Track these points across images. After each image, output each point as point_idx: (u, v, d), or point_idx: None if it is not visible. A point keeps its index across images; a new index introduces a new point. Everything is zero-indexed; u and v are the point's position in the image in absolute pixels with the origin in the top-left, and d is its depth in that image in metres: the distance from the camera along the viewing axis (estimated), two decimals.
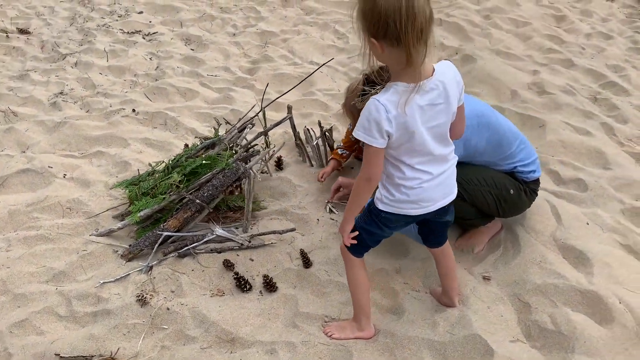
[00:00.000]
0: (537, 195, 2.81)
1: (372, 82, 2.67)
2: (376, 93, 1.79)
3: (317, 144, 3.33)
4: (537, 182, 2.77)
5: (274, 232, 2.81)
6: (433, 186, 1.98)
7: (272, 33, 5.03)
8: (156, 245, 2.68)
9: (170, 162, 2.82)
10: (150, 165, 2.97)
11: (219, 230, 2.73)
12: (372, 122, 1.73)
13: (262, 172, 3.31)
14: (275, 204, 3.14)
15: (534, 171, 2.71)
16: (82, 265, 2.70)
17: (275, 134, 3.66)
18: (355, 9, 1.64)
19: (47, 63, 4.52)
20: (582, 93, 4.30)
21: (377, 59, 1.73)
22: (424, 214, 2.04)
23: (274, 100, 3.40)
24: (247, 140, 3.02)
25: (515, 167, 2.68)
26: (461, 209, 2.64)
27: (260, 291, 2.59)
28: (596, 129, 3.80)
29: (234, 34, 5.08)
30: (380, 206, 2.01)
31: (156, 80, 4.29)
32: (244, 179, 2.67)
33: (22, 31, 4.99)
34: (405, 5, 1.53)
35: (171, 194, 2.72)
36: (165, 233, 2.67)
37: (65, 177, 3.28)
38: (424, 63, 1.71)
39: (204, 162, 2.66)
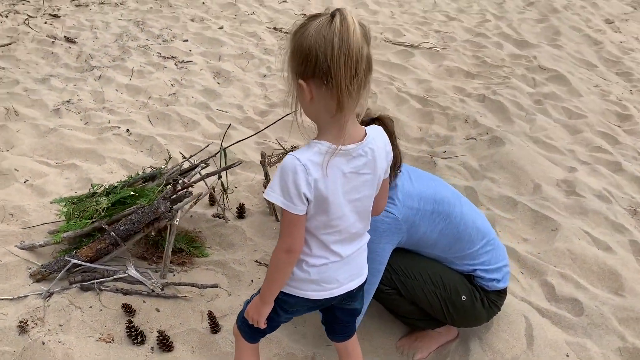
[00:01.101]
0: (498, 309, 2.34)
1: None
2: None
3: None
4: (500, 293, 2.31)
5: (192, 285, 2.52)
6: (339, 267, 1.66)
7: None
8: (62, 272, 2.47)
9: (107, 187, 2.64)
10: (92, 186, 2.80)
11: (132, 271, 2.48)
12: (290, 184, 1.43)
13: (217, 217, 3.07)
14: (219, 254, 2.86)
15: (497, 280, 2.26)
16: None
17: (247, 180, 3.42)
18: (286, 55, 1.45)
19: (74, 72, 4.61)
20: (620, 202, 3.71)
21: (305, 111, 1.47)
22: (327, 299, 1.70)
23: (234, 143, 3.17)
24: (200, 177, 2.79)
25: (474, 269, 2.25)
26: (398, 305, 2.25)
27: (152, 347, 2.29)
28: (621, 246, 3.21)
29: (265, 76, 4.97)
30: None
31: (166, 105, 4.23)
32: (165, 220, 2.42)
33: (69, 40, 5.19)
34: (338, 36, 1.32)
35: (94, 220, 2.53)
36: (73, 260, 2.46)
37: (26, 182, 3.20)
38: (355, 125, 1.48)
39: (132, 193, 2.45)
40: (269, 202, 3.14)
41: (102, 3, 6.33)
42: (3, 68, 4.51)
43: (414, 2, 7.42)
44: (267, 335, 1.92)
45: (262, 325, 1.73)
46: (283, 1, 6.96)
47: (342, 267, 1.67)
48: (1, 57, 4.71)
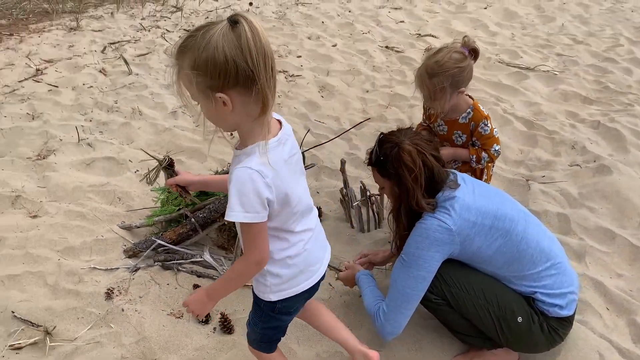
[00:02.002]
0: (561, 338, 2.20)
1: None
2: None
3: (357, 205, 3.11)
4: (563, 321, 2.17)
5: None
6: (313, 242, 1.74)
7: (402, 97, 4.92)
8: (148, 250, 2.76)
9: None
10: None
11: (207, 256, 2.70)
12: (250, 195, 1.43)
13: None
14: None
15: (559, 306, 2.13)
16: (92, 248, 2.90)
17: (330, 187, 3.53)
18: (179, 73, 1.39)
19: None
20: None
21: (221, 124, 1.49)
22: (317, 282, 1.79)
23: (313, 147, 3.29)
24: None
25: (534, 292, 2.15)
26: (449, 317, 2.22)
27: (215, 328, 2.48)
28: None
29: (368, 91, 5.09)
30: (273, 297, 1.72)
31: None
32: None
33: None
34: (252, 41, 1.31)
35: (180, 208, 2.80)
36: (159, 241, 2.75)
37: (136, 172, 3.61)
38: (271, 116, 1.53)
39: None
40: (346, 208, 3.23)
41: None
42: (137, 74, 5.11)
43: (539, 24, 7.12)
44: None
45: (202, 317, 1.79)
46: (400, 21, 7.06)
47: (315, 241, 1.75)
48: (138, 65, 5.33)
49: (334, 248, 3.00)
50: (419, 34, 6.59)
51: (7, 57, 5.32)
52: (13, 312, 2.44)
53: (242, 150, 1.51)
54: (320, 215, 3.23)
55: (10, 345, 2.30)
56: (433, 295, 2.16)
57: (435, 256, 2.07)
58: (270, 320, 1.82)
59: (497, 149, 2.74)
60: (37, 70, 5.08)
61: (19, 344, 2.31)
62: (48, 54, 5.47)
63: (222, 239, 3.00)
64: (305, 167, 3.05)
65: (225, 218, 1.48)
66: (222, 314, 2.47)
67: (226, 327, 2.45)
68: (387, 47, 6.16)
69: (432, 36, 6.52)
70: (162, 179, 2.06)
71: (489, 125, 2.71)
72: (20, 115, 4.22)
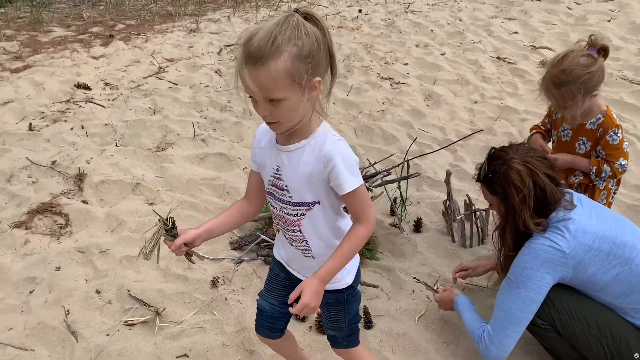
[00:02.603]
0: None
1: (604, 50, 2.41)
2: None
3: (461, 219, 3.03)
4: None
5: None
6: None
7: (513, 109, 4.73)
8: (252, 244, 2.87)
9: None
10: None
11: None
12: (352, 161, 1.50)
13: (394, 226, 3.20)
14: (388, 260, 2.99)
15: None
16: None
17: (432, 198, 3.48)
18: (270, 68, 1.33)
19: None
20: None
21: (298, 116, 1.43)
22: None
23: (419, 156, 3.24)
24: (381, 182, 2.96)
25: None
26: (555, 345, 2.12)
27: (310, 327, 2.53)
28: None
29: (476, 102, 4.95)
30: (349, 279, 1.72)
31: (373, 120, 4.52)
32: None
33: None
34: (325, 30, 1.41)
35: None
36: (262, 236, 2.85)
37: (244, 169, 3.77)
38: None
39: None
40: (448, 221, 3.16)
41: (340, 27, 7.00)
42: None
43: None
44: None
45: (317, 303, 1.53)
46: (514, 32, 6.80)
47: None
48: None
49: (432, 261, 2.97)
50: (534, 46, 6.30)
51: (134, 55, 5.77)
52: (129, 291, 2.64)
53: (311, 137, 1.51)
54: (420, 225, 3.19)
55: (124, 321, 2.48)
56: (541, 320, 2.06)
57: (545, 278, 1.98)
58: (352, 306, 1.79)
59: (623, 163, 2.49)
60: (160, 68, 5.46)
61: (132, 320, 2.49)
62: (170, 54, 5.86)
63: None
64: (409, 175, 3.05)
65: (347, 191, 1.49)
66: (318, 314, 2.52)
67: (321, 327, 2.49)
68: (498, 57, 5.96)
69: (548, 48, 6.21)
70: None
71: (619, 135, 2.48)
72: (143, 109, 4.55)
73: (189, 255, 1.67)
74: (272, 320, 1.90)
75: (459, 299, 2.35)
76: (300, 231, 1.62)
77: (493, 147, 2.20)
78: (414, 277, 2.73)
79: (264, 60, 1.32)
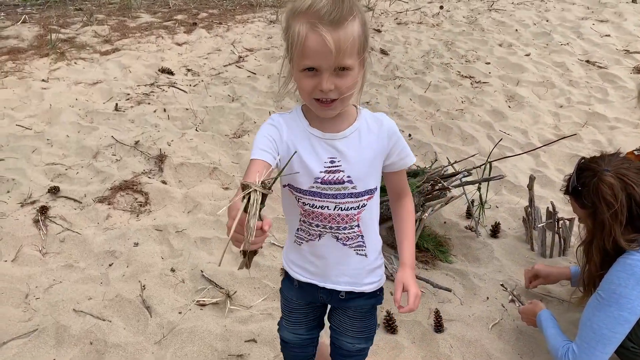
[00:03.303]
0: None
1: None
2: None
3: (542, 227, 2.88)
4: None
5: (427, 281, 2.62)
6: None
7: (601, 116, 4.46)
8: None
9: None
10: None
11: None
12: None
13: (470, 229, 3.09)
14: (462, 264, 2.89)
15: None
16: (272, 225, 3.09)
17: (511, 203, 3.32)
18: (351, 29, 1.24)
19: (379, 79, 5.15)
20: None
21: (355, 90, 1.35)
22: None
23: (501, 158, 3.11)
24: (460, 183, 2.86)
25: None
26: None
27: (379, 324, 2.48)
28: None
29: (562, 106, 4.70)
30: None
31: (451, 119, 4.39)
32: (419, 213, 2.57)
33: (383, 52, 5.81)
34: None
35: None
36: None
37: None
38: None
39: None
40: (528, 229, 3.01)
41: (420, 23, 6.86)
42: None
43: None
44: None
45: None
46: (606, 35, 6.42)
47: None
48: None
49: (509, 269, 2.84)
50: (627, 50, 5.93)
51: (215, 43, 5.90)
52: (202, 272, 2.69)
53: (360, 118, 1.44)
54: (497, 231, 3.06)
55: (196, 301, 2.53)
56: (631, 344, 1.91)
57: None
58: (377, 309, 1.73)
59: None
60: (240, 57, 5.56)
61: (204, 301, 2.54)
62: (250, 43, 5.95)
63: (391, 237, 3.00)
64: (492, 177, 2.92)
65: (411, 163, 1.51)
66: (388, 312, 2.46)
67: (390, 326, 2.43)
68: (587, 61, 5.64)
69: None
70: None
71: None
72: (222, 96, 4.64)
73: (253, 254, 1.21)
74: (302, 349, 1.81)
75: (542, 314, 2.23)
76: (358, 225, 1.47)
77: (583, 157, 2.06)
78: (502, 285, 2.63)
79: (343, 20, 1.22)
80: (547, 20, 6.97)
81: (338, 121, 1.40)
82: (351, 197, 1.42)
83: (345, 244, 1.49)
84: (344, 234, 1.47)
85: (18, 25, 5.94)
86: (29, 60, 4.99)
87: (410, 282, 1.48)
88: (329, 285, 1.56)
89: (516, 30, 6.61)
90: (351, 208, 1.44)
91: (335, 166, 1.39)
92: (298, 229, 1.49)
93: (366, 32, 1.31)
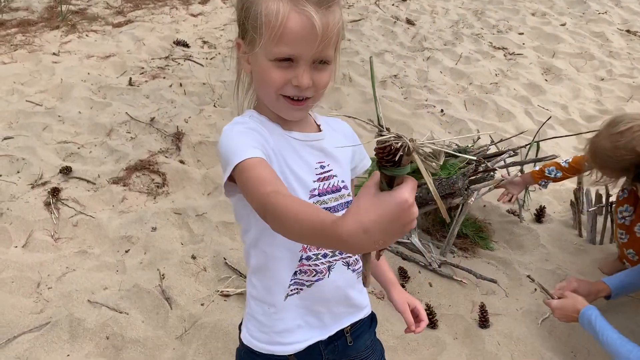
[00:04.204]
0: None
1: None
2: None
3: (593, 212, 2.64)
4: None
5: (470, 272, 2.40)
6: None
7: None
8: None
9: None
10: None
11: (415, 239, 2.49)
12: None
13: (512, 213, 2.85)
14: (504, 252, 2.66)
15: None
16: None
17: (555, 185, 3.07)
18: (338, 14, 1.03)
19: (406, 50, 4.87)
20: None
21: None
22: None
23: (549, 138, 2.86)
24: (505, 164, 2.62)
25: None
26: None
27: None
28: None
29: (603, 79, 4.40)
30: None
31: (485, 93, 4.12)
32: (460, 197, 2.34)
33: (409, 22, 5.50)
34: None
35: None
36: None
37: None
38: None
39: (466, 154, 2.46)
40: (576, 214, 2.77)
41: None
42: (349, 40, 5.05)
43: None
44: None
45: None
46: None
47: None
48: (350, 31, 5.28)
49: (556, 257, 2.60)
50: None
51: (232, 14, 5.64)
52: (225, 259, 2.49)
53: (318, 118, 1.22)
54: (542, 215, 2.82)
55: (220, 291, 2.35)
56: None
57: None
58: None
59: None
60: None
61: (228, 292, 2.35)
62: None
63: (427, 222, 2.78)
64: (542, 157, 2.67)
65: (369, 165, 1.29)
66: (428, 305, 2.26)
67: (430, 320, 2.23)
68: (628, 31, 5.29)
69: None
70: None
71: None
72: None
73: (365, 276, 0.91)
74: None
75: (589, 311, 1.96)
76: None
77: None
78: (528, 276, 2.36)
79: (330, 3, 0.99)
80: None
81: (303, 123, 1.16)
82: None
83: (354, 270, 1.19)
84: (349, 256, 1.18)
85: None
86: (39, 33, 4.78)
87: (411, 299, 1.34)
88: (334, 330, 1.21)
89: None
90: None
91: (327, 171, 1.14)
92: (296, 272, 1.13)
93: (343, 21, 1.07)
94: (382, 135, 0.66)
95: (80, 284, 2.35)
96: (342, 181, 1.15)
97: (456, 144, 2.92)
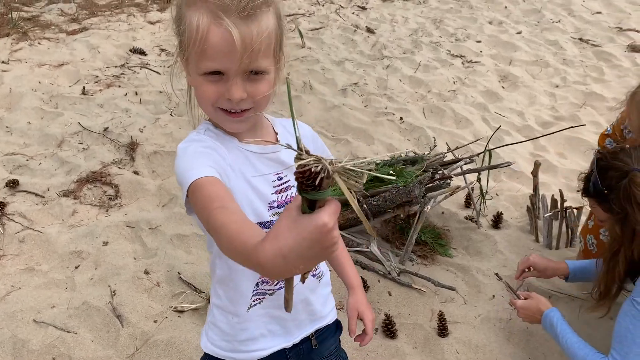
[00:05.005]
0: None
1: None
2: None
3: (549, 218, 2.67)
4: None
5: (429, 280, 2.39)
6: None
7: (599, 96, 4.26)
8: None
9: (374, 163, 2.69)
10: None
11: (374, 248, 2.47)
12: None
13: (470, 220, 2.87)
14: (463, 258, 2.67)
15: None
16: None
17: (512, 190, 3.11)
18: (265, 23, 1.00)
19: (366, 59, 4.88)
20: None
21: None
22: None
23: (503, 145, 2.91)
24: (461, 171, 2.63)
25: None
26: None
27: (376, 329, 2.25)
28: None
29: (557, 86, 4.50)
30: None
31: (444, 101, 4.16)
32: (417, 205, 2.33)
33: (369, 30, 5.53)
34: None
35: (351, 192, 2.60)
36: None
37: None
38: None
39: (390, 172, 2.44)
40: (532, 219, 2.80)
41: (406, 0, 6.58)
42: (310, 48, 5.04)
43: None
44: None
45: None
46: (597, 12, 6.22)
47: None
48: (311, 39, 5.27)
49: (514, 262, 2.62)
50: (620, 28, 5.74)
51: None
52: (179, 274, 2.42)
53: (275, 125, 1.21)
54: (499, 221, 2.84)
55: (173, 307, 2.27)
56: None
57: None
58: None
59: None
60: None
61: (182, 307, 2.28)
62: None
63: (386, 230, 2.77)
64: (498, 165, 2.69)
65: None
66: (387, 315, 2.23)
67: (389, 330, 2.21)
68: (581, 39, 5.44)
69: (636, 31, 5.64)
70: None
71: None
72: None
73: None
74: None
75: (551, 313, 1.99)
76: None
77: (600, 151, 1.83)
78: (496, 274, 2.38)
79: (255, 10, 0.95)
80: None
81: (259, 133, 1.14)
82: None
83: (314, 275, 1.22)
84: None
85: None
86: None
87: (364, 307, 1.32)
88: (299, 337, 1.23)
89: (505, 7, 6.38)
90: None
91: (284, 182, 1.13)
92: (258, 282, 1.14)
93: (282, 27, 1.06)
94: (301, 159, 0.63)
95: (26, 302, 2.24)
96: None
97: (414, 152, 2.92)
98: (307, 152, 0.64)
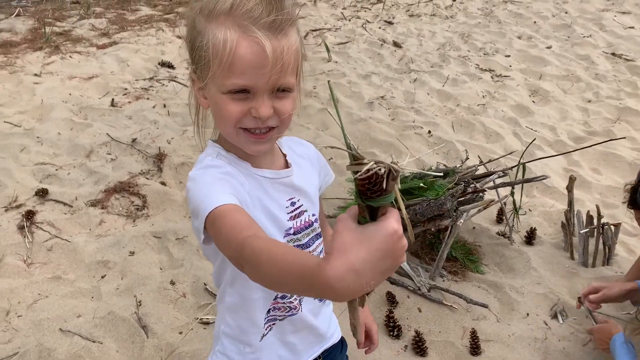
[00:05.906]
0: None
1: None
2: None
3: (586, 234, 2.58)
4: None
5: (461, 296, 2.32)
6: None
7: (634, 111, 4.14)
8: None
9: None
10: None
11: (403, 263, 2.41)
12: None
13: (502, 235, 2.78)
14: (495, 275, 2.59)
15: None
16: None
17: (545, 206, 3.01)
18: (294, 39, 0.96)
19: (393, 72, 4.85)
20: None
21: None
22: None
23: (537, 159, 2.83)
24: (494, 185, 2.56)
25: None
26: None
27: (406, 346, 2.18)
28: None
29: (590, 101, 4.39)
30: None
31: (473, 115, 4.09)
32: (448, 218, 2.27)
33: (396, 44, 5.50)
34: None
35: None
36: None
37: (330, 160, 3.46)
38: None
39: (421, 184, 2.38)
40: (567, 235, 2.71)
41: (433, 15, 6.56)
42: (337, 62, 5.03)
43: None
44: None
45: None
46: (629, 27, 6.10)
47: None
48: (338, 53, 5.26)
49: (548, 280, 2.53)
50: None
51: None
52: (205, 285, 2.39)
53: (284, 147, 1.16)
54: (533, 237, 2.76)
55: (199, 319, 2.24)
56: None
57: None
58: None
59: None
60: None
61: (207, 319, 2.24)
62: None
63: (415, 245, 2.70)
64: (532, 178, 2.62)
65: (332, 180, 1.26)
66: (417, 332, 2.16)
67: (419, 347, 2.14)
68: (613, 54, 5.33)
69: None
70: None
71: None
72: None
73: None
74: None
75: (615, 337, 1.88)
76: None
77: None
78: (578, 299, 2.11)
79: (285, 24, 0.92)
80: (566, 12, 6.65)
81: (272, 156, 1.10)
82: (319, 238, 1.15)
83: (321, 299, 1.19)
84: None
85: (12, 19, 5.65)
86: (22, 54, 4.70)
87: (370, 321, 1.35)
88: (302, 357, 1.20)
89: (535, 22, 6.30)
90: (321, 250, 1.15)
91: (297, 207, 1.10)
92: (270, 310, 1.10)
93: (303, 46, 1.01)
94: (357, 164, 0.58)
95: (53, 311, 2.24)
96: (313, 214, 1.12)
97: (444, 165, 2.86)
98: (362, 157, 0.60)
